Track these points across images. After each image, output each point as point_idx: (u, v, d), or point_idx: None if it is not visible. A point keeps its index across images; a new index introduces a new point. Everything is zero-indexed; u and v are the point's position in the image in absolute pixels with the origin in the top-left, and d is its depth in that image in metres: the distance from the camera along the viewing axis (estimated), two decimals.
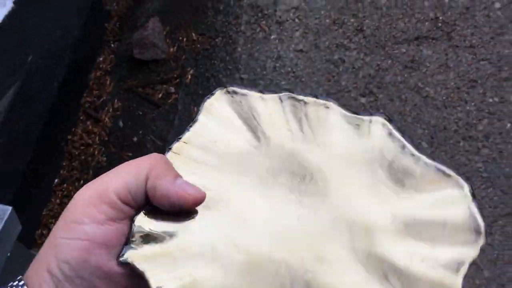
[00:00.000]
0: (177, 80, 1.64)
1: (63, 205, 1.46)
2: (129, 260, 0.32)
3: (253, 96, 0.43)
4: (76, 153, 1.52)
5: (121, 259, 0.32)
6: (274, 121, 0.42)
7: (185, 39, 1.68)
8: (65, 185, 1.49)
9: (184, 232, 0.35)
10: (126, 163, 0.34)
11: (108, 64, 1.68)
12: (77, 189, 1.48)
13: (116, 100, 1.62)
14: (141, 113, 1.60)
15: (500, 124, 1.39)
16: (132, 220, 0.33)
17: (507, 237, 1.25)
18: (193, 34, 1.69)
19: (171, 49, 1.68)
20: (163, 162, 0.34)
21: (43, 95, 1.44)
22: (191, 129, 0.40)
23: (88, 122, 1.58)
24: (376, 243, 0.37)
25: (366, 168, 0.41)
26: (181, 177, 0.34)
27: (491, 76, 1.47)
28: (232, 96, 0.42)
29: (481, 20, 1.55)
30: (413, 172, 0.41)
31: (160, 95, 1.62)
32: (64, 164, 1.52)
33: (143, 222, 0.34)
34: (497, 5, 1.49)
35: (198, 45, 1.68)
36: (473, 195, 0.39)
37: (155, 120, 1.58)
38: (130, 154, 1.52)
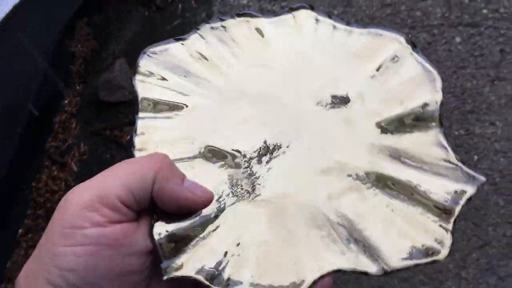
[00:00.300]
0: None
1: (28, 256, 1.40)
2: (174, 275, 0.32)
3: (174, 46, 0.41)
4: (42, 200, 1.46)
5: (165, 277, 0.32)
6: (207, 61, 0.41)
7: None
8: (30, 235, 1.43)
9: (203, 217, 0.34)
10: (125, 163, 0.32)
11: (73, 107, 1.65)
12: None
13: (82, 144, 1.58)
14: (109, 156, 1.56)
15: (468, 156, 1.41)
16: (151, 237, 0.32)
17: (481, 270, 1.25)
18: None
19: None
20: (168, 163, 0.33)
21: (6, 142, 1.39)
22: (140, 114, 0.38)
23: (54, 168, 1.53)
24: (357, 129, 0.39)
25: (313, 61, 0.42)
26: (185, 177, 0.34)
27: (455, 109, 1.50)
28: (156, 58, 0.41)
29: (443, 54, 1.59)
30: (353, 46, 0.42)
31: (129, 137, 1.59)
32: (28, 212, 1.46)
33: (162, 232, 0.33)
34: (458, 39, 1.53)
35: None
36: (412, 44, 0.41)
37: None
38: None
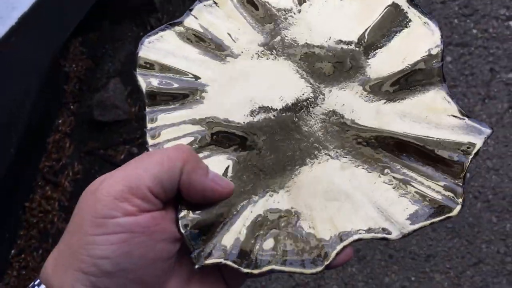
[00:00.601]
0: (140, 140, 1.62)
1: (20, 277, 1.38)
2: (204, 263, 0.33)
3: (170, 33, 0.40)
4: (35, 221, 1.45)
5: (197, 266, 0.33)
6: (205, 42, 0.41)
7: None
8: (23, 255, 1.42)
9: (224, 203, 0.35)
10: (153, 153, 0.33)
11: (67, 127, 1.65)
12: (36, 259, 1.41)
13: (76, 164, 1.58)
14: None
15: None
16: (179, 227, 0.33)
17: (476, 287, 1.25)
18: None
19: (133, 109, 1.66)
20: (193, 155, 0.34)
21: None
22: (148, 109, 0.38)
23: (47, 188, 1.53)
24: (361, 94, 0.39)
25: (311, 28, 0.42)
26: (209, 168, 0.35)
27: None
28: (153, 47, 0.40)
29: None
30: (348, 7, 0.42)
31: (123, 156, 1.59)
32: (21, 233, 1.45)
33: (189, 222, 0.33)
34: (448, 59, 1.56)
35: None
36: None
37: None
38: None
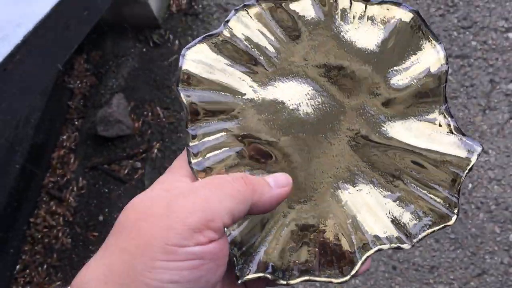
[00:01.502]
0: (143, 155, 1.63)
1: None
2: (247, 278, 0.36)
3: (209, 46, 0.40)
4: (39, 236, 1.46)
5: (239, 281, 0.35)
6: (242, 54, 0.41)
7: (150, 114, 1.69)
8: (27, 270, 1.42)
9: (258, 218, 0.38)
10: (222, 183, 0.34)
11: (72, 142, 1.66)
12: (40, 274, 1.42)
13: (80, 179, 1.59)
14: (106, 190, 1.57)
15: (462, 184, 1.42)
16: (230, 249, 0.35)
17: None
18: (158, 109, 1.70)
19: (136, 125, 1.68)
20: (257, 181, 0.36)
21: (3, 178, 1.40)
22: (189, 125, 0.38)
23: (52, 203, 1.54)
24: (366, 112, 0.41)
25: (333, 32, 0.43)
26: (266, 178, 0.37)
27: None
28: (196, 61, 0.40)
29: None
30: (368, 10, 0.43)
31: (126, 171, 1.60)
32: (26, 248, 1.46)
33: (234, 241, 0.36)
34: (449, 70, 1.57)
35: (163, 119, 1.69)
36: (418, 18, 0.41)
37: (121, 197, 1.55)
38: (96, 234, 1.48)
